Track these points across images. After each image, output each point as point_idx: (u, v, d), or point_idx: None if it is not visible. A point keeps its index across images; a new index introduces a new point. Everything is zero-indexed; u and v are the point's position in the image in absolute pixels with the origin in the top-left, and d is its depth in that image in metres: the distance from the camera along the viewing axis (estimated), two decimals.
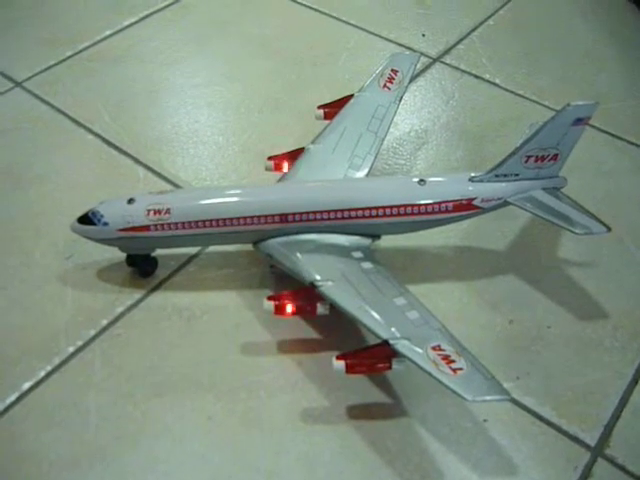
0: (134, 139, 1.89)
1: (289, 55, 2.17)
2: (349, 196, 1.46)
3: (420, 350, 1.21)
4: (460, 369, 1.18)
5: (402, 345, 1.21)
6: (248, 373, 1.39)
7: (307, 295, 1.35)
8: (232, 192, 1.48)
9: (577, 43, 2.23)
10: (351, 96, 1.71)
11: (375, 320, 1.27)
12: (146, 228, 1.42)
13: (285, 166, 1.58)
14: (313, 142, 1.61)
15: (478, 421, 1.32)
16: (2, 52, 2.17)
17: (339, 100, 1.70)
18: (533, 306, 1.51)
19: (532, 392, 1.36)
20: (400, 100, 1.71)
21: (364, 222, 1.46)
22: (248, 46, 2.21)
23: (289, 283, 1.41)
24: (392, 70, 1.76)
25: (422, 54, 2.02)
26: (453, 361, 1.19)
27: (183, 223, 1.42)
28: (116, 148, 1.87)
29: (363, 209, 1.45)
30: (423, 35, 2.24)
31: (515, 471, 1.26)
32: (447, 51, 2.19)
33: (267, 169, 1.59)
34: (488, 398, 1.16)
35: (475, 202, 1.48)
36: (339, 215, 1.44)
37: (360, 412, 1.34)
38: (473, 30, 2.27)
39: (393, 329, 1.25)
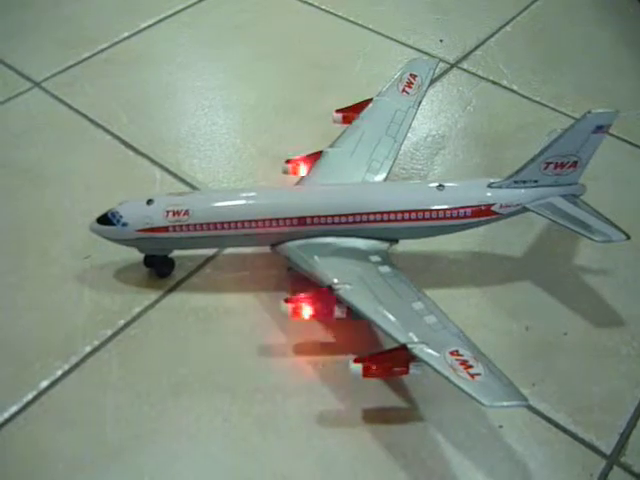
0: (151, 140, 1.90)
1: (306, 59, 2.17)
2: (367, 200, 1.46)
3: (438, 355, 1.21)
4: (478, 374, 1.17)
5: (420, 349, 1.21)
6: (264, 375, 1.39)
7: (324, 298, 1.35)
8: (250, 194, 1.49)
9: (595, 50, 2.23)
10: (369, 100, 1.71)
11: (393, 324, 1.27)
12: (164, 229, 1.43)
13: (303, 169, 1.59)
14: (331, 145, 1.62)
15: (494, 427, 1.32)
16: (21, 53, 2.18)
17: (357, 104, 1.71)
18: (549, 313, 1.50)
19: (548, 399, 1.35)
20: (419, 105, 1.71)
21: (382, 226, 1.46)
22: (264, 49, 2.22)
23: (306, 286, 1.40)
24: (411, 75, 1.77)
25: (440, 59, 2.02)
26: (471, 366, 1.19)
27: (202, 225, 1.43)
28: (133, 149, 1.87)
29: (381, 213, 1.45)
30: (441, 41, 2.24)
31: (530, 478, 1.25)
32: (465, 57, 2.18)
33: (284, 172, 1.60)
34: (506, 404, 1.15)
35: (493, 208, 1.48)
36: (357, 219, 1.45)
37: (376, 416, 1.34)
38: (491, 36, 2.26)
39: (411, 333, 1.24)
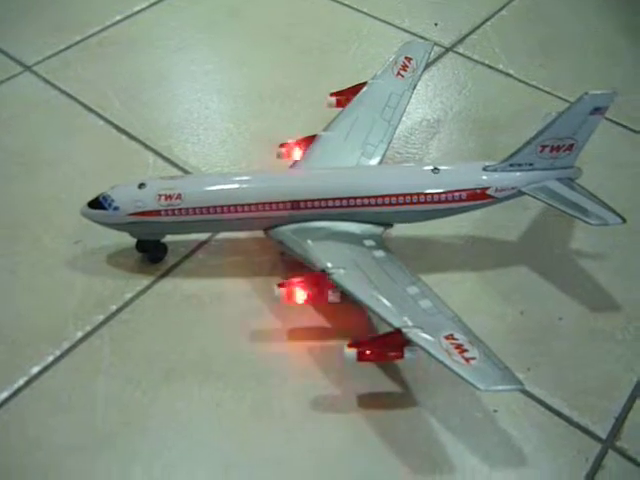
0: (144, 125, 1.88)
1: (300, 43, 2.16)
2: (362, 184, 1.45)
3: (433, 339, 1.20)
4: (473, 358, 1.17)
5: (414, 334, 1.21)
6: (257, 361, 1.39)
7: (318, 282, 1.34)
8: (244, 178, 1.47)
9: (591, 34, 2.21)
10: (364, 84, 1.69)
11: (387, 308, 1.26)
12: (157, 213, 1.41)
13: (297, 153, 1.57)
14: (325, 129, 1.60)
15: (488, 412, 1.31)
16: (13, 36, 2.16)
17: (352, 88, 1.69)
18: (545, 297, 1.50)
19: (543, 383, 1.35)
20: (414, 88, 1.69)
21: (377, 210, 1.45)
22: (259, 33, 2.20)
23: (300, 270, 1.39)
24: (406, 58, 1.75)
25: (435, 43, 2.00)
26: (466, 350, 1.18)
27: (194, 209, 1.41)
28: (126, 133, 1.86)
29: (376, 197, 1.44)
30: (436, 24, 2.22)
31: (525, 462, 1.25)
32: (460, 41, 2.17)
33: (279, 156, 1.58)
34: (501, 388, 1.15)
35: (489, 192, 1.47)
36: (352, 203, 1.44)
37: (370, 401, 1.33)
38: (486, 20, 2.25)
39: (406, 317, 1.24)
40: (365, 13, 2.28)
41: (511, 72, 2.06)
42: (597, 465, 1.25)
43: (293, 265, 1.47)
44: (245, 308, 1.47)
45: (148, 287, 1.51)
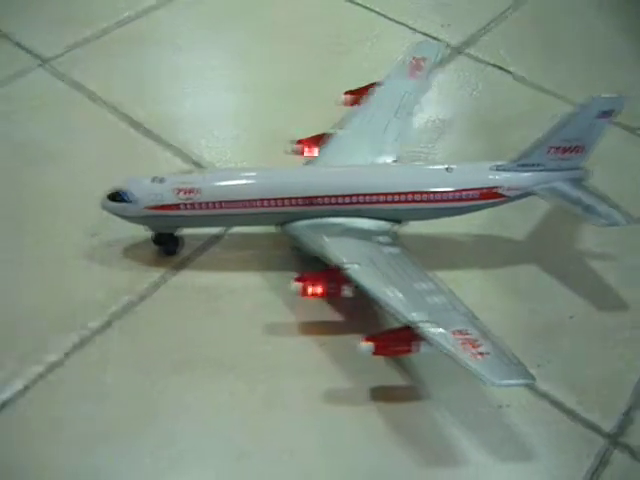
0: (155, 120, 1.89)
1: (311, 41, 2.17)
2: (376, 181, 1.47)
3: (446, 333, 1.22)
4: (486, 353, 1.19)
5: (428, 328, 1.22)
6: (270, 354, 1.40)
7: (333, 277, 1.35)
8: (260, 174, 1.49)
9: (598, 37, 2.22)
10: (376, 83, 1.71)
11: (402, 303, 1.28)
12: (176, 207, 1.43)
13: (310, 150, 1.59)
14: (340, 127, 1.62)
15: (496, 407, 1.33)
16: (28, 30, 2.17)
17: (365, 87, 1.71)
18: (554, 296, 1.51)
19: (552, 380, 1.36)
20: (428, 88, 1.71)
21: (391, 207, 1.47)
22: (270, 31, 2.21)
23: (310, 265, 1.41)
24: (419, 58, 1.77)
25: (447, 44, 2.03)
26: (479, 345, 1.20)
27: (213, 203, 1.43)
28: (137, 128, 1.87)
29: (392, 194, 1.46)
30: (448, 25, 2.23)
31: (532, 457, 1.27)
32: (469, 42, 2.18)
33: (293, 152, 1.60)
34: (514, 382, 1.17)
35: (500, 190, 1.49)
36: (367, 199, 1.45)
37: (381, 395, 1.34)
38: (495, 22, 2.26)
39: (420, 312, 1.25)
40: (377, 12, 2.29)
41: (521, 74, 2.07)
42: (603, 460, 1.26)
43: (305, 260, 1.48)
44: (257, 302, 1.48)
45: (161, 280, 1.52)
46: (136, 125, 1.88)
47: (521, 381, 1.18)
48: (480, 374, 1.16)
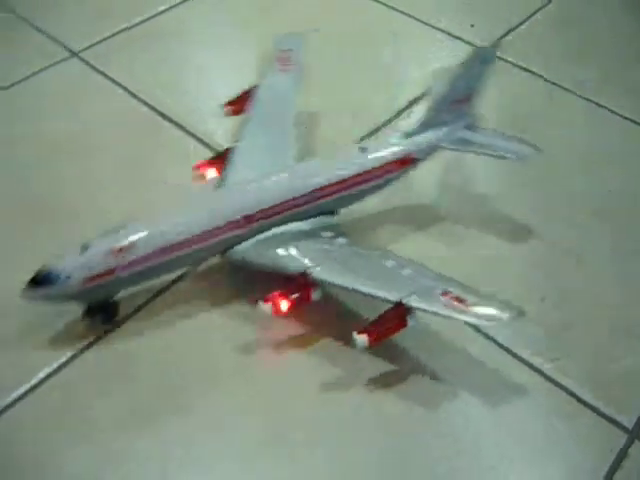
0: (185, 112, 1.93)
1: (334, 38, 2.16)
2: (304, 181, 1.47)
3: (432, 299, 1.26)
4: (473, 303, 1.24)
5: (414, 300, 1.26)
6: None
7: (299, 286, 1.33)
8: (193, 206, 1.45)
9: (623, 39, 2.23)
10: (250, 90, 1.72)
11: (377, 286, 1.30)
12: (111, 271, 1.32)
13: (213, 171, 1.57)
14: (237, 140, 1.61)
15: (515, 400, 1.34)
16: (60, 22, 2.22)
17: (245, 92, 1.72)
18: (572, 286, 1.54)
19: (571, 373, 1.38)
20: (301, 79, 1.74)
21: (330, 200, 1.49)
22: (294, 30, 2.21)
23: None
24: (285, 50, 1.79)
25: (470, 44, 2.04)
26: (464, 300, 1.25)
27: (152, 253, 1.34)
28: (168, 120, 1.91)
29: (322, 188, 1.47)
30: (472, 26, 2.25)
31: (551, 451, 1.28)
32: (495, 43, 2.19)
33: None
34: (505, 316, 1.23)
35: (415, 155, 1.56)
36: (307, 200, 1.46)
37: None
38: (521, 23, 2.27)
39: (398, 289, 1.29)
40: (401, 12, 2.31)
41: (543, 74, 2.08)
42: (622, 455, 1.28)
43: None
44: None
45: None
46: (166, 117, 1.91)
47: (512, 314, 1.23)
48: (477, 323, 1.29)
